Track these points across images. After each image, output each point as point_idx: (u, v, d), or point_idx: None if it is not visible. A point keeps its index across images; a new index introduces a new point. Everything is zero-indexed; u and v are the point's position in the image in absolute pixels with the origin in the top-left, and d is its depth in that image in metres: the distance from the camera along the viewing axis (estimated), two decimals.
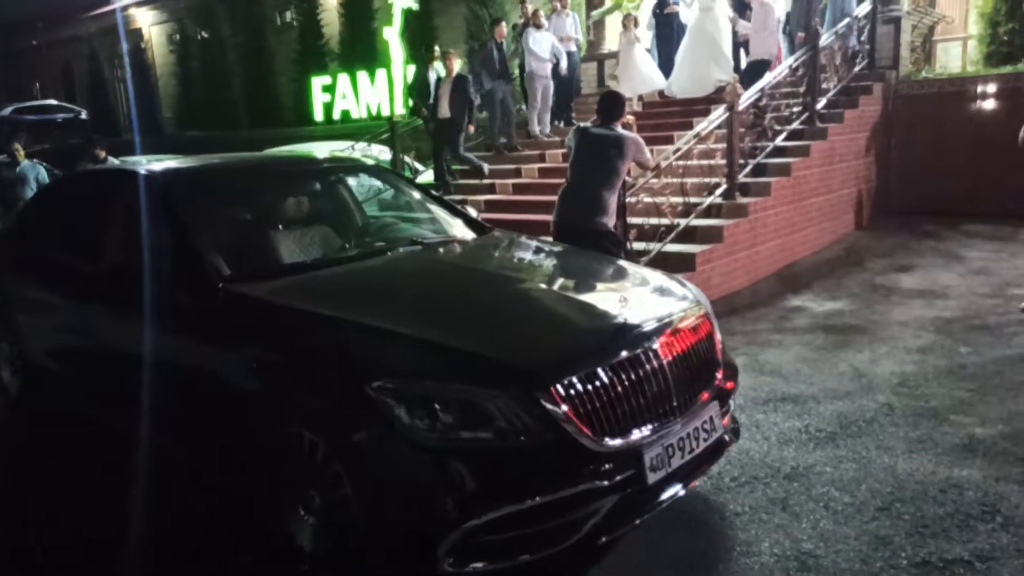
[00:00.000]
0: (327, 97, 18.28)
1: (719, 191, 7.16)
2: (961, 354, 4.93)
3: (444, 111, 9.25)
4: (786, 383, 4.59)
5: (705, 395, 2.87)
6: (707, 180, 7.16)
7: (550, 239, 4.26)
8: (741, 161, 7.38)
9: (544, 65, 9.62)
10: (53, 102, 27.33)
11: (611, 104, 4.93)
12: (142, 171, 3.70)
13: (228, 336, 2.95)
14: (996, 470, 3.35)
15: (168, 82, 24.18)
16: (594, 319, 2.84)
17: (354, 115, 17.55)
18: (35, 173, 9.71)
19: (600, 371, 2.55)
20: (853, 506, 3.12)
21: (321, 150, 9.92)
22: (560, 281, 3.33)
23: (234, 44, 20.96)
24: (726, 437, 3.09)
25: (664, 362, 2.72)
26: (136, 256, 3.42)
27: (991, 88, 9.50)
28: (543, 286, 3.22)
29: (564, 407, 2.43)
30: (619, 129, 4.91)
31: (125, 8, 26.90)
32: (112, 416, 3.83)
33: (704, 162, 7.06)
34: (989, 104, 9.50)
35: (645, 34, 11.42)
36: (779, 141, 8.00)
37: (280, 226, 3.68)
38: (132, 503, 3.42)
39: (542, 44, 9.59)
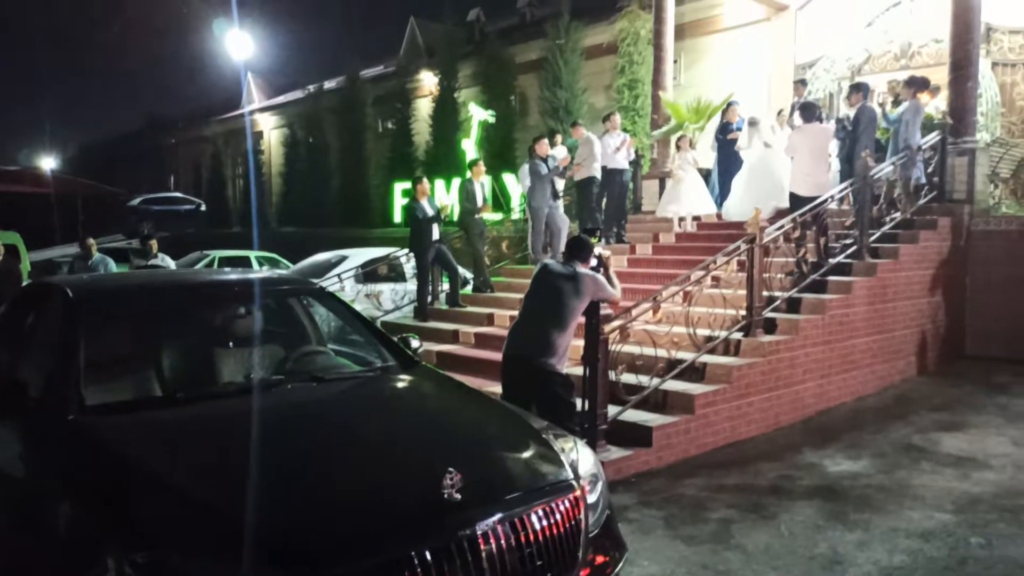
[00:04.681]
0: (406, 201, 18.92)
1: (737, 327, 6.69)
2: (970, 545, 4.19)
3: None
4: (744, 565, 4.01)
5: None
6: (724, 312, 6.70)
7: (461, 381, 3.99)
8: (766, 293, 6.90)
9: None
10: (178, 194, 29.94)
11: (575, 246, 4.87)
12: (62, 286, 3.76)
13: (60, 474, 2.82)
14: None
15: (277, 181, 25.89)
16: (400, 494, 2.49)
17: None
18: (105, 267, 10.11)
19: (385, 565, 2.23)
20: None
21: (361, 256, 10.10)
22: (407, 439, 2.94)
23: (336, 148, 22.29)
24: None
25: (483, 556, 2.37)
26: (30, 373, 3.44)
27: None
28: (382, 445, 2.88)
29: None
30: (579, 268, 4.70)
31: (252, 112, 29.42)
32: None
33: (717, 291, 6.63)
34: None
35: (708, 155, 11.29)
36: (818, 276, 7.46)
37: (179, 354, 3.60)
38: None
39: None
